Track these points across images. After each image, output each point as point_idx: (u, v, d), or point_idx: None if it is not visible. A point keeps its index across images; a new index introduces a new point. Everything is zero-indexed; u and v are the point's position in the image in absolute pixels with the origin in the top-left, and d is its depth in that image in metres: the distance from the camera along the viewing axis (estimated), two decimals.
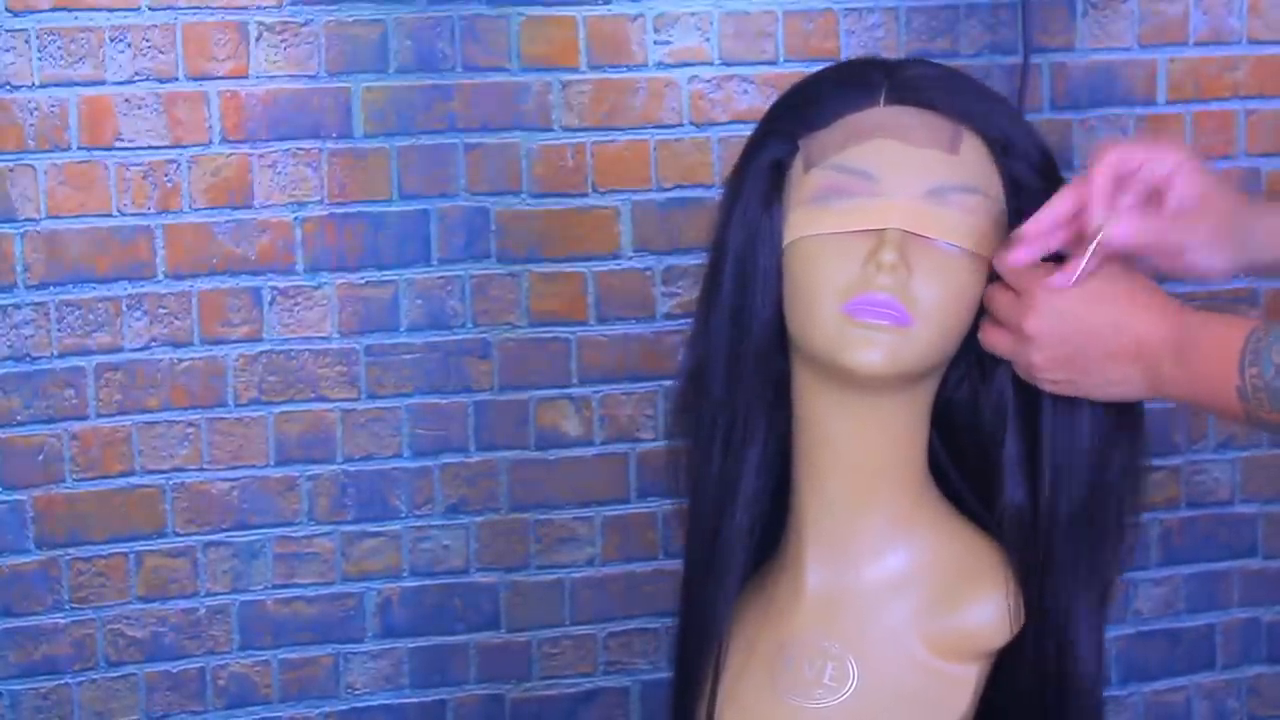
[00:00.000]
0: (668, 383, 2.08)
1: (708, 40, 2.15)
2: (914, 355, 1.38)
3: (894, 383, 1.39)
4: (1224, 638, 2.39)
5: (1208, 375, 1.30)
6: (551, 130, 2.12)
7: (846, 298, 1.37)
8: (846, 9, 2.17)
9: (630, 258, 2.16)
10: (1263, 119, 2.31)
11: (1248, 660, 2.40)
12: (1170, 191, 1.37)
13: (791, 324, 1.43)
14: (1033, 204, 1.40)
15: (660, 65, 2.14)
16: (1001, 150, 1.43)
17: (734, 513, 1.50)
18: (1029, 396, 1.42)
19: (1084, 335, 1.35)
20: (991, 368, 1.44)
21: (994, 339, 1.40)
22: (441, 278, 2.12)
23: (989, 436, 1.48)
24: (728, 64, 2.15)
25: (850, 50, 2.16)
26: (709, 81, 2.15)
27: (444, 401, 2.14)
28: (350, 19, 2.06)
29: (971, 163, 1.41)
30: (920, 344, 1.38)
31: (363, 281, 2.10)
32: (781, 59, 2.16)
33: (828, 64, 1.54)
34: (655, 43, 2.14)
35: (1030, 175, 1.43)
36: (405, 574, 2.15)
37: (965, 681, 1.47)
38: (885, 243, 1.37)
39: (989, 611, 1.47)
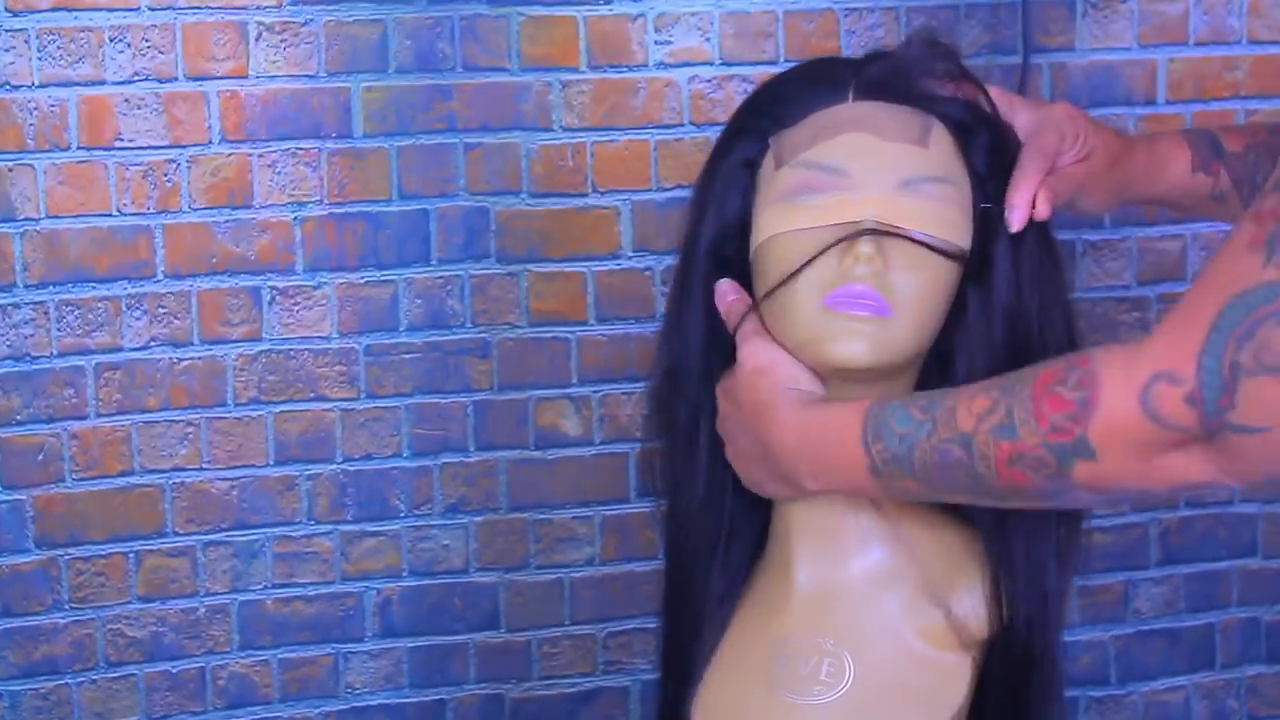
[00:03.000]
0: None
1: (708, 40, 2.15)
2: (895, 345, 1.39)
3: (874, 374, 1.41)
4: (1223, 637, 2.39)
5: (838, 462, 1.36)
6: (551, 130, 2.12)
7: (826, 291, 1.38)
8: (846, 9, 2.17)
9: (630, 258, 2.16)
10: (1263, 119, 2.30)
11: (1247, 660, 2.40)
12: (1064, 156, 1.48)
13: (770, 320, 1.43)
14: (998, 190, 1.43)
15: (661, 65, 2.14)
16: (966, 139, 1.45)
17: (715, 511, 1.51)
18: None
19: (740, 434, 1.45)
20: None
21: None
22: (441, 277, 2.12)
23: None
24: (728, 64, 2.15)
25: (850, 50, 2.16)
26: (709, 81, 2.15)
27: (443, 401, 2.14)
28: (350, 19, 2.06)
29: (941, 153, 1.43)
30: (900, 334, 1.39)
31: (362, 281, 2.10)
32: (782, 59, 2.16)
33: None
34: (656, 43, 2.14)
35: (995, 163, 1.46)
36: (405, 573, 2.16)
37: (960, 671, 1.49)
38: (861, 234, 1.38)
39: (978, 600, 1.48)
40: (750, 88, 2.13)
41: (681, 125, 2.15)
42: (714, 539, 1.53)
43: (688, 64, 2.14)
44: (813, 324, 1.39)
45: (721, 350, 1.48)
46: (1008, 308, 1.47)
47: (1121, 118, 2.26)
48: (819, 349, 1.38)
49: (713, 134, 2.13)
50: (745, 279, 1.48)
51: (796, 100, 1.46)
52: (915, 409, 1.30)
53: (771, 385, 1.40)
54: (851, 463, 1.33)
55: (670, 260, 2.14)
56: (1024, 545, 1.49)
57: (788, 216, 1.41)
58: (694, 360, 1.51)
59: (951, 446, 1.26)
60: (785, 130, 1.45)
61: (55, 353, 2.03)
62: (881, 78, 1.46)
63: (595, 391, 2.17)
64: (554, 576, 2.19)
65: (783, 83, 1.52)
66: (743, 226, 1.46)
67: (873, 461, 1.31)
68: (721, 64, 2.15)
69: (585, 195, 2.14)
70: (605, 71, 2.13)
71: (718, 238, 1.48)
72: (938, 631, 1.48)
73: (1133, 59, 2.26)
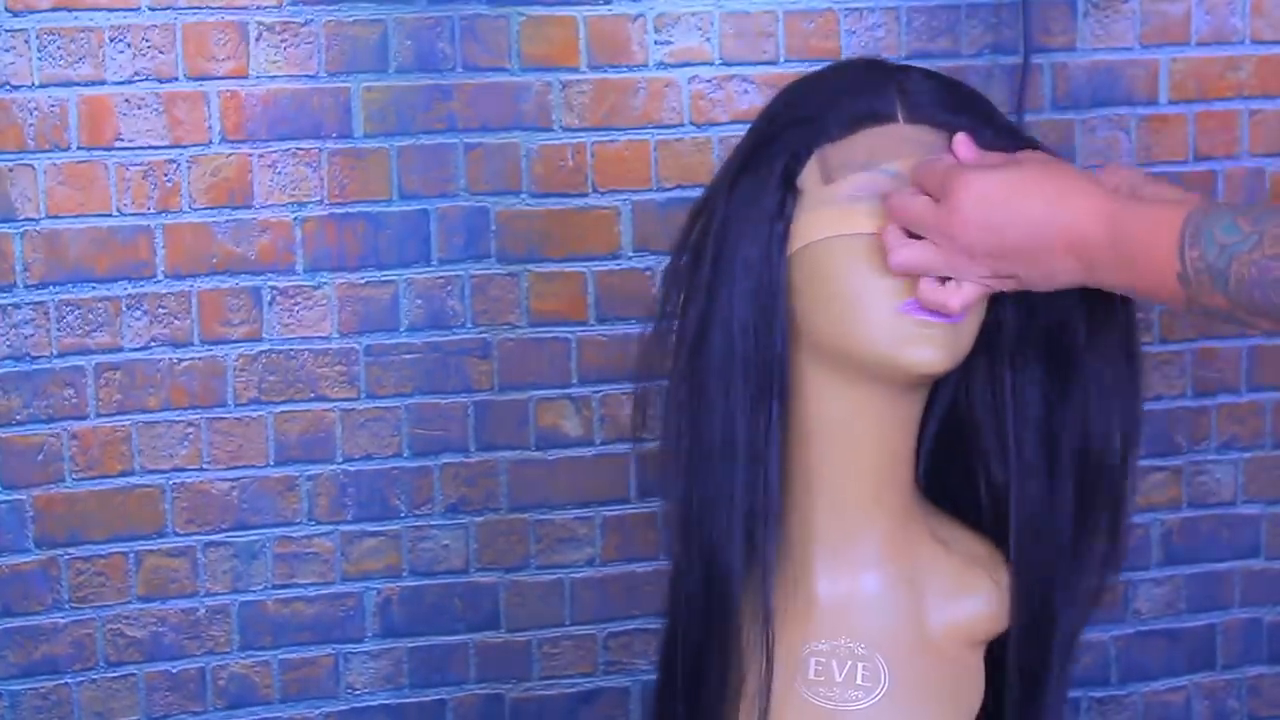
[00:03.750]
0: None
1: (708, 40, 2.14)
2: (961, 350, 1.39)
3: (931, 379, 1.41)
4: (1225, 638, 2.39)
5: (1146, 262, 1.26)
6: (552, 130, 2.12)
7: (900, 296, 1.37)
8: (847, 9, 2.17)
9: (630, 258, 2.16)
10: (1266, 119, 2.30)
11: (1248, 660, 2.40)
12: None
13: (826, 327, 1.41)
14: None
15: (661, 65, 2.14)
16: None
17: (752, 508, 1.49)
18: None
19: (1016, 226, 1.31)
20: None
21: (913, 254, 1.35)
22: (441, 277, 2.12)
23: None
24: (728, 64, 2.15)
25: (850, 50, 2.16)
26: (709, 81, 2.15)
27: (444, 401, 2.14)
28: (350, 19, 2.06)
29: None
30: (966, 338, 1.39)
31: (363, 281, 2.10)
32: (782, 59, 2.15)
33: (826, 64, 1.54)
34: (656, 43, 2.13)
35: None
36: (405, 574, 2.16)
37: (978, 666, 1.50)
38: None
39: (987, 597, 1.49)
40: (750, 87, 2.14)
41: (682, 125, 2.15)
42: (748, 541, 1.50)
43: (688, 64, 2.14)
44: (887, 330, 1.37)
45: (768, 368, 1.45)
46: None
47: (1124, 118, 2.26)
48: (893, 355, 1.37)
49: (713, 134, 2.15)
50: (762, 284, 1.44)
51: (841, 112, 1.43)
52: (1245, 221, 1.22)
53: (1074, 171, 1.33)
54: (1160, 265, 1.25)
55: None
56: (1036, 550, 1.48)
57: (848, 219, 1.40)
58: (721, 382, 1.47)
59: (1275, 264, 1.19)
60: (833, 145, 1.42)
61: (55, 353, 2.04)
62: (928, 100, 1.44)
63: (596, 392, 2.17)
64: (554, 577, 2.19)
65: (820, 91, 1.49)
66: (783, 237, 1.43)
67: (1184, 269, 1.23)
68: (722, 64, 2.15)
69: (585, 195, 2.13)
70: (605, 71, 2.12)
71: (761, 254, 1.44)
72: (956, 628, 1.48)
73: (1135, 59, 2.26)
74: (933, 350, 1.37)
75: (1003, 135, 1.43)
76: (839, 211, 1.40)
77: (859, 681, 1.47)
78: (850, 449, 1.45)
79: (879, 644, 1.48)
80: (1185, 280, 1.24)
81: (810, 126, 1.43)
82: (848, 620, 1.48)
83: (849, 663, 1.47)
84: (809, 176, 1.42)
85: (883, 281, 1.38)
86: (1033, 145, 1.44)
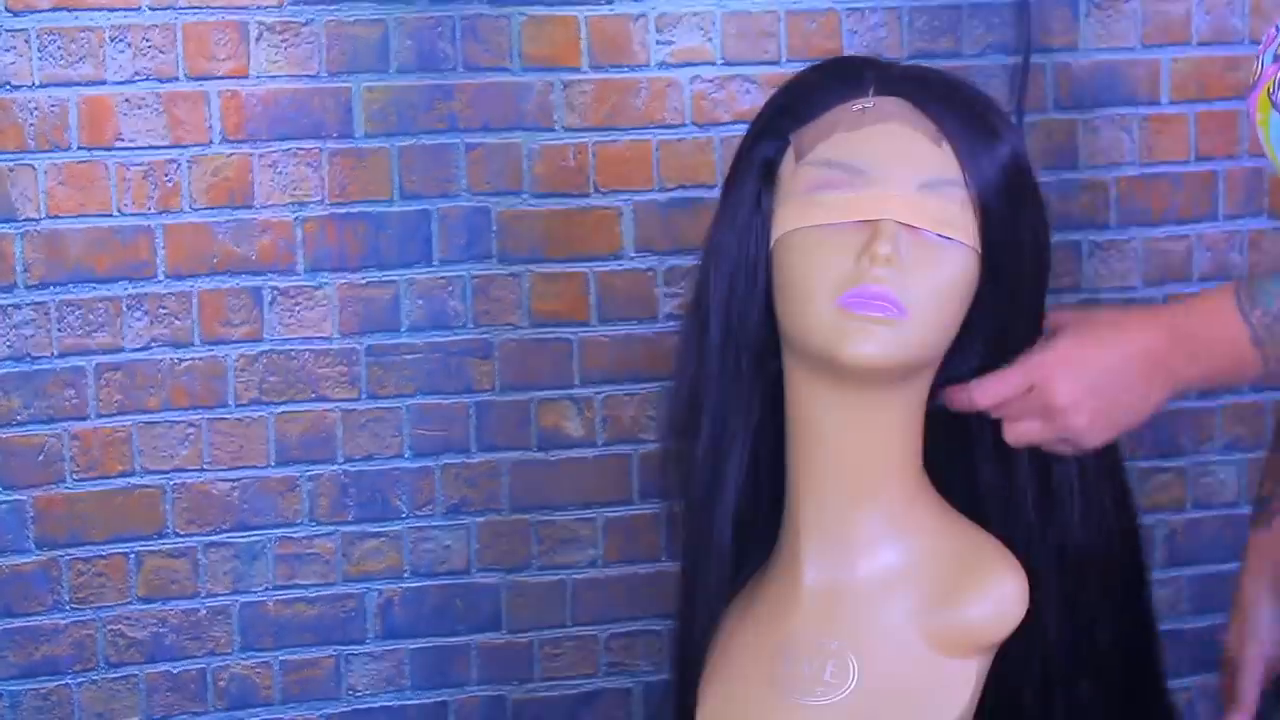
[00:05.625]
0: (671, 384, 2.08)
1: (710, 40, 2.14)
2: (909, 348, 1.38)
3: (888, 377, 1.40)
4: None
5: (1214, 344, 1.31)
6: (553, 130, 2.12)
7: (841, 291, 1.37)
8: (849, 9, 2.17)
9: (632, 258, 2.15)
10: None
11: None
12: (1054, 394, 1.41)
13: (784, 319, 1.43)
14: (999, 205, 1.42)
15: (662, 65, 2.14)
16: (970, 155, 1.43)
17: (722, 514, 1.50)
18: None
19: (1106, 378, 1.37)
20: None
21: (1023, 432, 1.42)
22: (443, 278, 2.11)
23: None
24: (730, 64, 2.15)
25: (852, 50, 2.16)
26: (711, 81, 2.15)
27: (445, 402, 2.13)
28: (351, 19, 2.06)
29: (952, 155, 1.43)
30: (915, 336, 1.38)
31: (364, 282, 2.10)
32: (784, 59, 2.15)
33: None
34: (657, 43, 2.13)
35: (1011, 184, 1.45)
36: (406, 575, 2.15)
37: (966, 676, 1.48)
38: (879, 235, 1.38)
39: (990, 605, 1.47)
40: (752, 87, 2.14)
41: (683, 125, 2.15)
42: (721, 541, 1.52)
43: (689, 64, 2.14)
44: (826, 324, 1.37)
45: (742, 351, 1.46)
46: (1002, 307, 1.47)
47: (1125, 118, 2.26)
48: (832, 350, 1.37)
49: (715, 134, 2.15)
50: (743, 272, 1.46)
51: (815, 96, 1.46)
52: None
53: (1108, 313, 1.40)
54: (1229, 340, 1.30)
55: (672, 261, 2.15)
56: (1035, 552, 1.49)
57: (806, 212, 1.41)
58: (714, 362, 1.49)
59: None
60: (806, 125, 1.44)
61: (56, 353, 2.03)
62: (900, 77, 1.46)
63: (598, 393, 2.16)
64: (556, 578, 2.18)
65: (802, 81, 1.52)
66: (761, 225, 1.45)
67: (1254, 331, 1.27)
68: (723, 64, 2.15)
69: (587, 195, 2.13)
70: (607, 71, 2.12)
71: (737, 239, 1.47)
72: (946, 635, 1.47)
73: (1136, 59, 2.26)
74: (872, 346, 1.37)
75: (972, 107, 1.46)
76: (800, 204, 1.41)
77: (826, 678, 1.46)
78: (827, 445, 1.45)
79: (855, 642, 1.47)
80: (1258, 340, 1.29)
81: (787, 116, 1.45)
82: (828, 615, 1.48)
83: (820, 658, 1.47)
84: (787, 162, 1.44)
85: (827, 274, 1.38)
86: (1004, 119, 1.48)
